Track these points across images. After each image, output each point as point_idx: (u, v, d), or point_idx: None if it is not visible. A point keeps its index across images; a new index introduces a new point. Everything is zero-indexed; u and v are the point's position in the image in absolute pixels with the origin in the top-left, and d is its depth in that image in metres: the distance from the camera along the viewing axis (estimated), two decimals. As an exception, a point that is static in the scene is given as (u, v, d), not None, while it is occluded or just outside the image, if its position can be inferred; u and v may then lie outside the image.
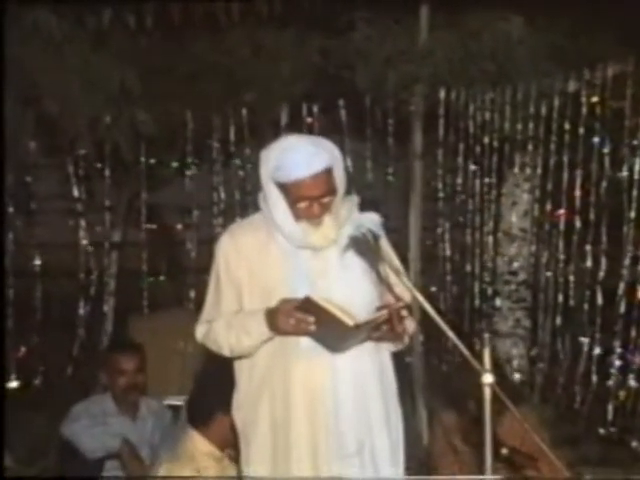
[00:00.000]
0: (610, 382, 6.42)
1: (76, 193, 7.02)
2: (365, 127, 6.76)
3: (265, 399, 3.32)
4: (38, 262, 6.98)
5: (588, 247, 6.49)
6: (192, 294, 7.04)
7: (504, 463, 4.14)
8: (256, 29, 6.38)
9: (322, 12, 6.02)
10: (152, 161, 7.00)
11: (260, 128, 6.70)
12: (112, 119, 6.26)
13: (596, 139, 6.36)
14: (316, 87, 6.58)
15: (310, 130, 6.64)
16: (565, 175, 6.53)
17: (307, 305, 3.12)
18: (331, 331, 3.15)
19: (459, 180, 6.82)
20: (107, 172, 6.88)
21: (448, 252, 6.95)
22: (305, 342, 3.24)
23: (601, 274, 6.47)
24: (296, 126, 6.62)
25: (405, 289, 3.23)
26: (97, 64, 5.94)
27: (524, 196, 6.95)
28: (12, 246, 6.66)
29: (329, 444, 3.25)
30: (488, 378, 2.74)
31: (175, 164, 7.18)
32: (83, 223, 7.11)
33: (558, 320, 6.71)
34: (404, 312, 3.17)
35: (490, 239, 6.96)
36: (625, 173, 6.35)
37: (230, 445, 3.83)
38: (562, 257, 6.70)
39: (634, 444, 6.16)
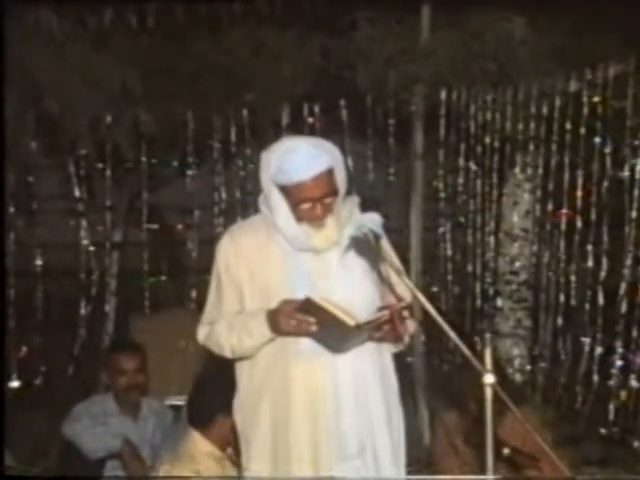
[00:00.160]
0: (611, 382, 6.41)
1: (77, 193, 7.01)
2: (366, 127, 6.76)
3: (265, 400, 3.32)
4: (39, 262, 6.98)
5: (589, 247, 6.49)
6: (193, 294, 7.05)
7: (506, 463, 4.14)
8: (257, 29, 6.38)
9: (323, 12, 6.02)
10: (153, 161, 6.99)
11: (261, 128, 6.71)
12: (113, 119, 6.26)
13: (597, 139, 6.36)
14: (317, 87, 6.58)
15: (311, 130, 6.64)
16: (566, 175, 6.52)
17: (308, 306, 3.12)
18: (332, 331, 3.14)
19: (460, 180, 6.81)
20: (108, 172, 6.87)
21: (449, 252, 6.95)
22: (305, 343, 3.23)
23: (602, 274, 6.46)
24: (297, 126, 6.62)
25: (406, 289, 3.22)
26: (98, 64, 5.94)
27: (525, 196, 6.95)
28: (13, 246, 6.65)
29: (330, 445, 3.25)
30: (489, 378, 2.74)
31: (176, 164, 7.17)
32: (84, 223, 7.11)
33: (559, 320, 6.70)
34: (405, 312, 3.17)
35: (491, 239, 6.95)
36: (626, 173, 6.34)
37: (231, 446, 3.83)
38: (563, 257, 6.70)
39: (635, 444, 6.16)
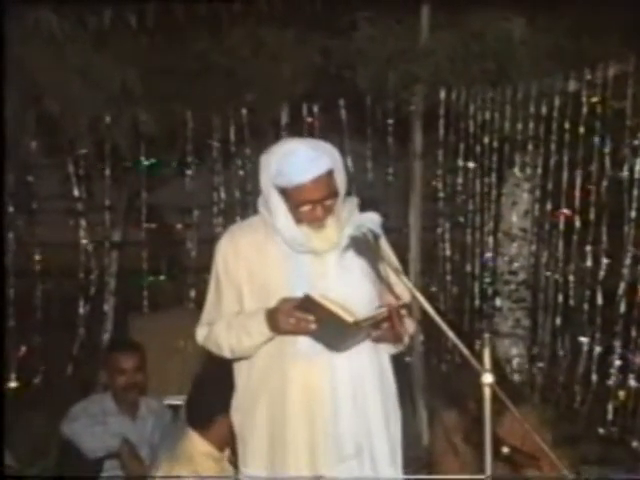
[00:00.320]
0: (610, 382, 6.41)
1: (76, 192, 7.01)
2: (365, 127, 6.76)
3: (263, 400, 3.32)
4: (38, 261, 6.97)
5: (588, 247, 6.48)
6: (192, 293, 7.05)
7: (505, 462, 4.14)
8: (257, 29, 6.38)
9: (323, 12, 6.02)
10: (152, 160, 6.99)
11: (260, 128, 6.71)
12: (113, 119, 6.26)
13: (597, 139, 6.36)
14: (317, 87, 6.58)
15: (310, 130, 6.65)
16: (565, 175, 6.52)
17: (307, 303, 3.12)
18: (331, 329, 3.15)
19: (459, 180, 6.81)
20: (107, 171, 6.87)
21: (448, 252, 6.95)
22: (303, 343, 3.24)
23: (601, 274, 6.47)
24: (296, 126, 6.62)
25: (405, 289, 3.22)
26: (98, 64, 5.94)
27: (524, 196, 6.95)
28: (13, 245, 6.66)
29: (327, 446, 3.25)
30: (488, 378, 2.74)
31: (175, 164, 7.18)
32: (83, 222, 7.11)
33: (558, 320, 6.70)
34: (403, 311, 3.17)
35: (490, 239, 6.96)
36: (626, 173, 6.34)
37: (229, 446, 3.83)
38: (562, 257, 6.70)
39: (634, 444, 6.16)
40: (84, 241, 7.11)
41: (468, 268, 6.92)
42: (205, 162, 7.09)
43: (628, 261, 6.38)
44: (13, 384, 6.65)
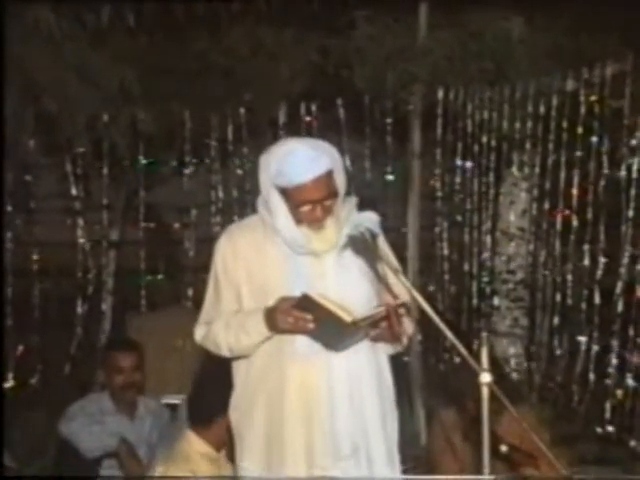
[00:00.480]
0: (608, 381, 6.41)
1: (74, 192, 7.01)
2: (364, 126, 6.76)
3: (261, 399, 3.32)
4: (36, 260, 6.97)
5: (586, 246, 6.48)
6: (190, 293, 7.05)
7: (503, 461, 4.14)
8: (255, 28, 6.38)
9: (321, 11, 6.02)
10: (150, 160, 6.99)
11: (259, 127, 6.71)
12: (110, 118, 6.26)
13: (594, 138, 6.36)
14: (315, 86, 6.58)
15: (308, 129, 6.64)
16: (563, 174, 6.52)
17: (305, 302, 3.12)
18: (329, 328, 3.15)
19: (457, 179, 6.81)
20: (105, 171, 6.87)
21: (446, 251, 6.95)
22: (301, 342, 3.24)
23: (599, 273, 6.47)
24: (294, 125, 6.62)
25: (403, 288, 3.22)
26: (96, 63, 5.94)
27: (522, 195, 6.95)
28: (10, 245, 6.65)
29: (324, 445, 3.24)
30: (486, 377, 2.75)
31: (173, 163, 7.17)
32: (81, 222, 7.10)
33: (556, 319, 6.70)
34: (402, 310, 3.17)
35: (488, 238, 6.96)
36: (623, 172, 6.34)
37: (226, 446, 3.83)
38: (560, 256, 6.70)
39: (632, 443, 6.16)
40: (82, 240, 7.10)
41: (466, 267, 6.92)
42: (203, 161, 7.09)
43: (625, 260, 6.38)
44: (10, 383, 6.64)
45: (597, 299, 6.45)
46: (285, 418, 3.26)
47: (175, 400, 5.15)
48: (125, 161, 6.83)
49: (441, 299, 6.96)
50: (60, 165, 6.95)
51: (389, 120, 6.69)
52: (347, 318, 3.08)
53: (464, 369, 2.90)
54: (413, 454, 4.99)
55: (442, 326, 2.88)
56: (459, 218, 6.91)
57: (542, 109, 6.40)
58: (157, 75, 6.19)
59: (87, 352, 6.90)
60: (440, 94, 6.42)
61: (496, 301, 7.01)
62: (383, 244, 3.38)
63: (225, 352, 3.33)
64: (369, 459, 3.29)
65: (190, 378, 4.57)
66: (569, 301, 6.65)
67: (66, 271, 7.16)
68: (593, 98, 6.32)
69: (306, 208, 3.20)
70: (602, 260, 6.45)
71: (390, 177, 7.02)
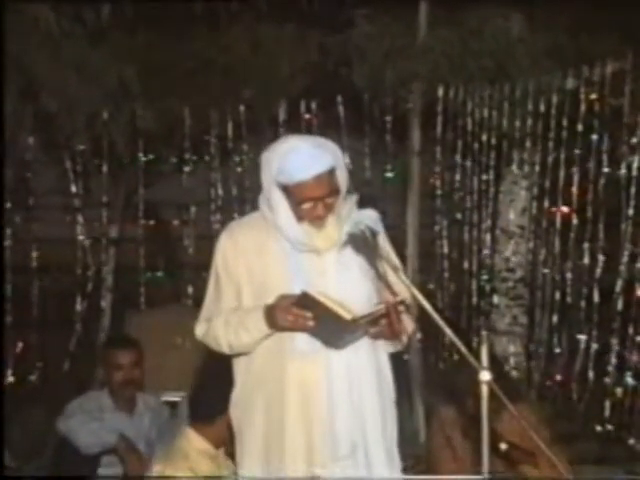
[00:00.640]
0: (607, 379, 6.41)
1: (74, 189, 7.00)
2: (363, 124, 6.76)
3: (261, 396, 3.32)
4: (35, 257, 6.97)
5: (586, 244, 6.48)
6: (189, 290, 7.05)
7: (502, 459, 4.14)
8: (254, 26, 6.38)
9: (320, 9, 6.02)
10: (150, 157, 6.99)
11: (258, 125, 6.70)
12: (110, 115, 6.26)
13: (594, 136, 6.36)
14: (314, 84, 6.58)
15: (308, 127, 6.64)
16: (563, 172, 6.52)
17: (304, 300, 3.12)
18: (329, 326, 3.15)
19: (457, 177, 6.81)
20: (105, 168, 6.86)
21: (446, 249, 6.95)
22: (301, 339, 3.23)
23: (598, 271, 6.47)
24: (294, 123, 6.62)
25: (403, 286, 3.22)
26: (95, 60, 5.94)
27: (522, 193, 6.94)
28: (10, 241, 6.65)
29: (323, 443, 3.24)
30: (485, 376, 2.74)
31: (173, 160, 7.17)
32: (81, 219, 7.10)
33: (555, 317, 6.70)
34: (401, 307, 3.17)
35: (488, 236, 6.95)
36: (623, 170, 6.34)
37: (225, 444, 3.82)
38: (559, 254, 6.70)
39: (631, 442, 6.16)
40: (81, 237, 7.10)
41: (466, 265, 6.92)
42: (203, 159, 7.08)
43: (625, 259, 6.38)
44: (10, 380, 6.64)
45: (597, 297, 6.45)
46: (285, 415, 3.26)
47: (174, 397, 5.16)
48: (124, 158, 6.82)
49: (440, 297, 6.96)
50: (59, 162, 6.94)
51: (389, 118, 6.69)
52: (347, 315, 3.08)
53: (464, 367, 2.89)
54: (412, 452, 4.99)
55: (442, 324, 2.88)
56: (459, 216, 6.91)
57: (542, 107, 6.40)
58: (157, 73, 6.18)
59: (86, 349, 6.89)
60: (440, 92, 6.42)
61: (495, 299, 7.00)
62: (384, 242, 3.37)
63: (225, 349, 3.33)
64: (367, 458, 3.28)
65: (189, 375, 4.57)
66: (569, 299, 6.65)
67: (65, 268, 7.16)
68: (593, 96, 6.32)
69: (308, 205, 3.20)
70: (602, 258, 6.45)
71: (390, 175, 7.02)
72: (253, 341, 3.27)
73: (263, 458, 3.31)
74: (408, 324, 3.30)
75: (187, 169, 7.01)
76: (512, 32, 6.05)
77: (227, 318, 3.29)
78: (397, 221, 6.34)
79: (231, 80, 6.45)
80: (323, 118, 6.77)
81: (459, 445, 4.47)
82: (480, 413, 2.76)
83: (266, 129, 6.63)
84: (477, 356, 2.77)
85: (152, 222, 7.59)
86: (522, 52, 6.05)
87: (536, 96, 6.35)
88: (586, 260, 6.50)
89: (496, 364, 3.37)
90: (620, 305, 6.35)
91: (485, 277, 6.99)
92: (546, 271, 6.80)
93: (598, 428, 6.30)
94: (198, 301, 3.50)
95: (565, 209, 6.63)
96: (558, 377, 6.67)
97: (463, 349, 2.81)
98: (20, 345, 6.89)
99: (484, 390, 2.74)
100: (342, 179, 3.26)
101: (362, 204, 3.32)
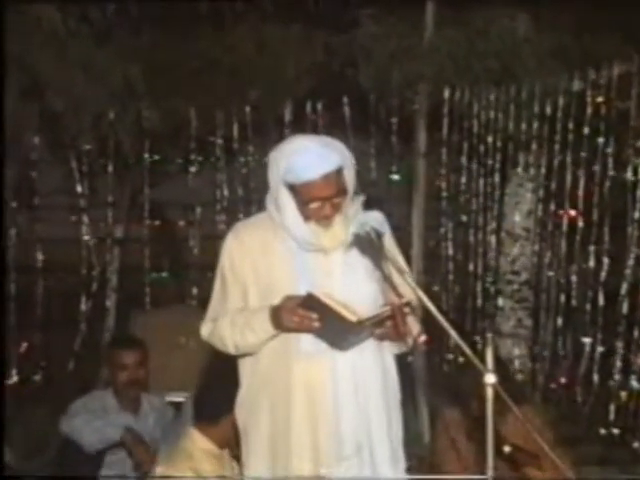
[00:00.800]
0: (612, 382, 6.41)
1: (79, 189, 7.01)
2: (369, 125, 6.76)
3: (266, 397, 3.32)
4: (40, 257, 6.97)
5: (591, 247, 6.48)
6: (194, 290, 7.05)
7: (506, 461, 4.14)
8: (260, 26, 6.38)
9: (326, 9, 6.02)
10: (156, 157, 6.99)
11: (264, 125, 6.70)
12: (116, 115, 6.26)
13: (601, 139, 6.35)
14: (320, 85, 6.58)
15: (314, 128, 6.64)
16: (569, 175, 6.51)
17: (310, 301, 3.12)
18: (334, 327, 3.14)
19: (462, 179, 6.80)
20: (110, 168, 6.87)
21: (451, 251, 6.94)
22: (306, 341, 3.23)
23: (603, 274, 6.46)
24: (300, 124, 6.62)
25: (408, 288, 3.21)
26: (101, 60, 5.94)
27: (527, 196, 6.94)
28: (15, 241, 6.65)
29: (329, 443, 3.24)
30: (490, 378, 2.74)
31: (179, 160, 7.17)
32: (86, 219, 7.10)
33: (560, 320, 6.69)
34: (407, 309, 3.17)
35: (493, 239, 6.95)
36: (629, 173, 6.33)
37: (230, 444, 3.82)
38: (565, 257, 6.69)
39: (635, 445, 6.15)
40: (86, 237, 7.10)
41: (471, 267, 6.91)
42: (208, 159, 7.08)
43: (631, 262, 6.37)
44: (14, 380, 6.64)
45: (602, 300, 6.45)
46: (291, 416, 3.26)
47: (179, 398, 5.15)
48: (130, 158, 6.83)
49: (445, 299, 6.95)
50: (65, 162, 6.94)
51: (394, 119, 6.68)
52: (352, 317, 3.08)
53: (469, 369, 2.89)
54: (416, 453, 4.98)
55: (446, 326, 2.87)
56: (464, 218, 6.91)
57: (548, 110, 6.39)
58: (162, 72, 6.19)
59: (91, 349, 6.90)
60: (446, 93, 6.42)
61: (500, 302, 7.00)
62: (390, 243, 3.37)
63: (231, 349, 3.33)
64: (372, 458, 3.28)
65: (194, 376, 4.58)
66: (574, 302, 6.65)
67: (70, 268, 7.16)
68: (599, 99, 6.31)
69: (315, 205, 3.19)
70: (607, 261, 6.44)
71: (395, 176, 7.02)
72: (259, 342, 3.26)
73: (269, 458, 3.31)
74: (413, 325, 3.30)
75: (193, 169, 7.01)
76: (518, 33, 6.05)
77: (233, 318, 3.29)
78: (402, 223, 6.34)
79: (237, 80, 6.45)
80: (329, 119, 6.77)
81: (463, 447, 4.47)
82: (485, 415, 2.75)
83: (272, 130, 6.63)
84: (482, 358, 2.76)
85: (157, 222, 7.59)
86: (528, 53, 6.04)
87: (542, 98, 6.34)
88: (591, 263, 6.49)
89: (501, 366, 3.35)
90: (625, 308, 6.34)
91: (490, 279, 6.99)
92: (551, 274, 6.79)
93: (602, 431, 6.29)
94: (203, 301, 3.50)
95: (571, 212, 6.61)
96: (563, 380, 6.66)
97: (468, 351, 2.80)
98: (25, 345, 6.89)
99: (489, 392, 2.74)
100: (350, 179, 3.26)
101: (367, 205, 3.32)
